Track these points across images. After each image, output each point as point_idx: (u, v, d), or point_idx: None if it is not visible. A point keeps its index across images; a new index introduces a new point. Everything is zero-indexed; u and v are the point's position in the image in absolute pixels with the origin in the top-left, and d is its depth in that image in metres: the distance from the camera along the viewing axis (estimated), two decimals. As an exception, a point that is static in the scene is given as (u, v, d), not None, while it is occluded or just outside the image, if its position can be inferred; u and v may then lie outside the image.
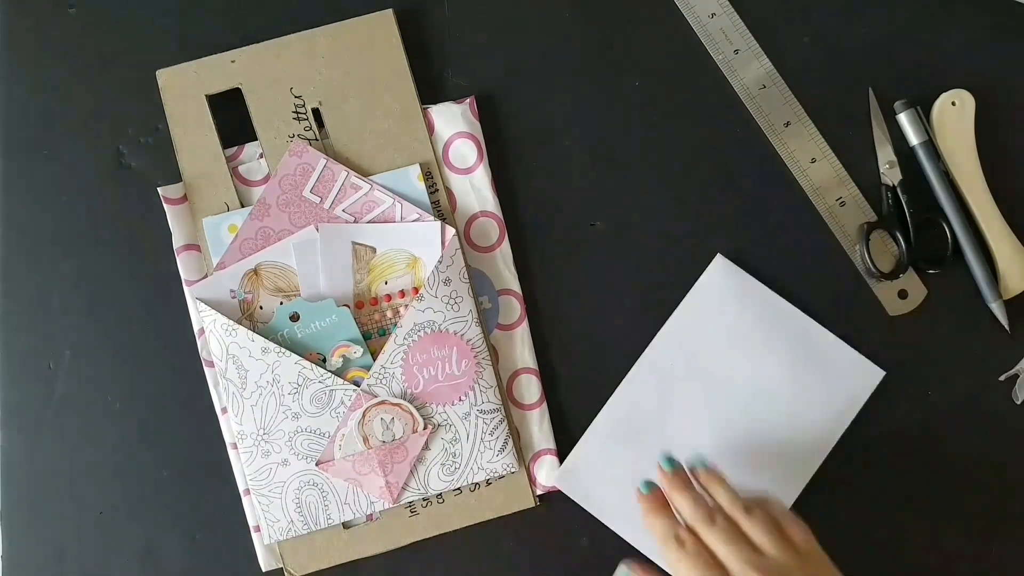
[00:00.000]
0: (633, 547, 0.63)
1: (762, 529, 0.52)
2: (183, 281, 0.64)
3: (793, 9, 0.67)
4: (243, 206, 0.64)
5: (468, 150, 0.65)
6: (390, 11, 0.65)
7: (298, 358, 0.62)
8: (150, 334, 0.65)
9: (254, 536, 0.63)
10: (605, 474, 0.64)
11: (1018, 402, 0.65)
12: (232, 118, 0.65)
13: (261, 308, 0.63)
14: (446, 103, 0.65)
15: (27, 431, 0.65)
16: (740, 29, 0.67)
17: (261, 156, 0.65)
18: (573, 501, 0.64)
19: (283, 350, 0.62)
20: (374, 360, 0.62)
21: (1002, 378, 0.65)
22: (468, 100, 0.65)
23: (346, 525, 0.64)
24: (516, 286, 0.65)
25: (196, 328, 0.64)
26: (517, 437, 0.64)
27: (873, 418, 0.64)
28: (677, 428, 0.64)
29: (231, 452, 0.64)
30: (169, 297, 0.65)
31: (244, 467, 0.63)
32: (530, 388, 0.64)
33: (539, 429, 0.64)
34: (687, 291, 0.65)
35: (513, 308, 0.65)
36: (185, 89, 0.65)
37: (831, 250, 0.66)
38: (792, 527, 0.53)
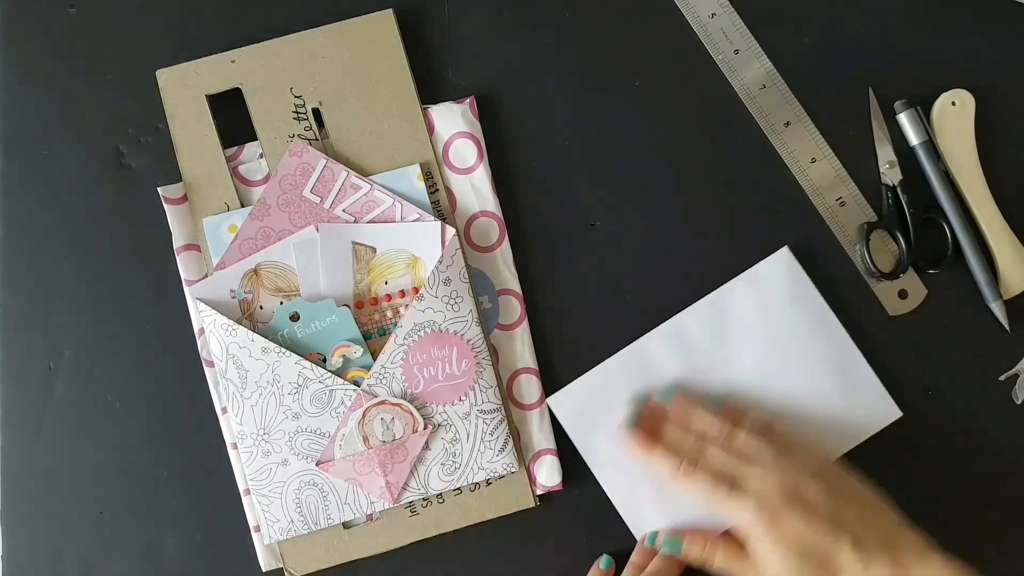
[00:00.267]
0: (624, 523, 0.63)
1: (747, 440, 0.60)
2: (183, 281, 0.64)
3: (793, 9, 0.67)
4: (243, 206, 0.64)
5: (468, 150, 0.65)
6: (390, 11, 0.65)
7: (298, 358, 0.62)
8: (150, 334, 0.65)
9: (254, 536, 0.63)
10: (599, 413, 0.64)
11: (1018, 402, 0.65)
12: (232, 118, 0.65)
13: (261, 308, 0.63)
14: (446, 103, 0.65)
15: (27, 431, 0.65)
16: (740, 29, 0.67)
17: (261, 156, 0.65)
18: (573, 501, 0.64)
19: (283, 350, 0.62)
20: (374, 360, 0.62)
21: (1002, 378, 0.65)
22: (468, 100, 0.65)
23: (346, 525, 0.64)
24: (516, 286, 0.65)
25: (196, 328, 0.64)
26: (517, 437, 0.64)
27: (873, 418, 0.64)
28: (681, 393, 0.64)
29: (231, 452, 0.64)
30: (169, 297, 0.65)
31: (244, 467, 0.63)
32: (530, 388, 0.64)
33: (539, 429, 0.64)
34: (687, 291, 0.65)
35: (513, 308, 0.65)
36: (185, 89, 0.65)
37: (831, 250, 0.66)
38: (773, 428, 0.61)
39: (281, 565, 0.63)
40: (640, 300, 0.65)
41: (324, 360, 0.63)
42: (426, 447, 0.63)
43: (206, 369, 0.64)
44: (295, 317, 0.63)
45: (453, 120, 0.65)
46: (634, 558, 0.62)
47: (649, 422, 0.62)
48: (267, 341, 0.62)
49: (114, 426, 0.65)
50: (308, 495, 0.62)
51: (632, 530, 0.63)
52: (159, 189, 0.65)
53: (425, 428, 0.62)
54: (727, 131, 0.67)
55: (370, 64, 0.65)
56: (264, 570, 0.64)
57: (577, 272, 0.66)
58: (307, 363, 0.62)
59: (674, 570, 0.61)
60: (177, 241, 0.64)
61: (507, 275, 0.65)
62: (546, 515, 0.65)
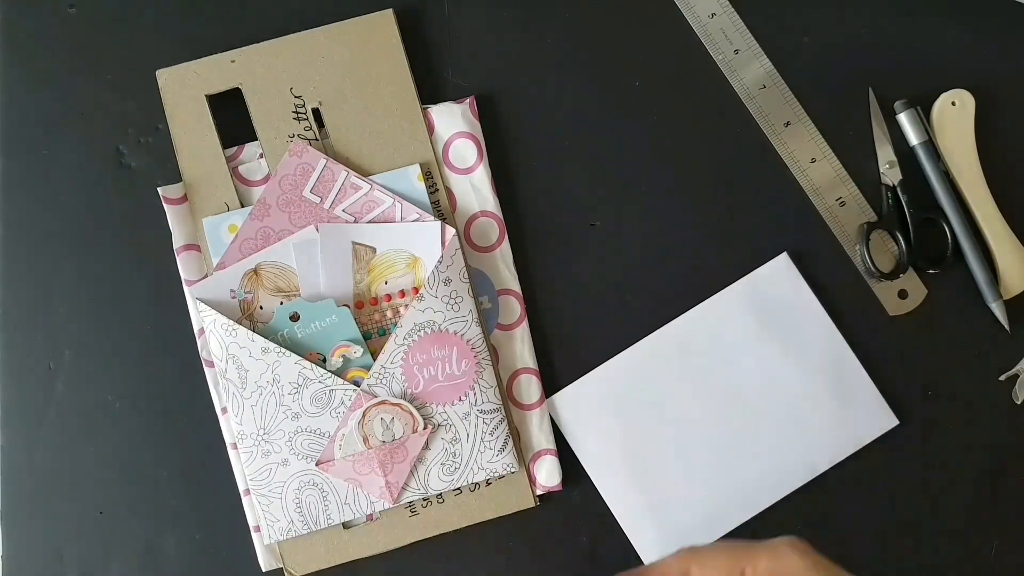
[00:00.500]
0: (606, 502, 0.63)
1: None
2: (183, 281, 0.64)
3: (793, 9, 0.67)
4: (243, 206, 0.64)
5: (468, 150, 0.65)
6: (390, 11, 0.65)
7: (298, 358, 0.62)
8: (150, 334, 0.65)
9: (254, 536, 0.63)
10: (595, 417, 0.64)
11: (1018, 402, 0.65)
12: (232, 118, 0.65)
13: (261, 308, 0.63)
14: (446, 103, 0.65)
15: (27, 431, 0.65)
16: (740, 29, 0.67)
17: (261, 156, 0.65)
18: (573, 501, 0.64)
19: (283, 350, 0.62)
20: (374, 360, 0.62)
21: (1002, 378, 0.65)
22: (468, 100, 0.65)
23: (346, 525, 0.64)
24: (516, 286, 0.65)
25: (196, 328, 0.64)
26: (517, 437, 0.64)
27: (873, 418, 0.64)
28: (678, 398, 0.64)
29: (231, 452, 0.64)
30: (169, 297, 0.65)
31: (244, 467, 0.63)
32: (530, 388, 0.64)
33: (539, 429, 0.64)
34: (687, 290, 0.65)
35: (513, 308, 0.65)
36: (185, 89, 0.65)
37: (831, 250, 0.66)
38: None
39: (281, 565, 0.63)
40: (640, 299, 0.65)
41: (324, 360, 0.63)
42: (426, 447, 0.63)
43: (206, 369, 0.64)
44: (295, 317, 0.63)
45: (453, 120, 0.65)
46: None
47: None
48: (267, 341, 0.62)
49: (114, 426, 0.65)
50: (308, 495, 0.62)
51: (628, 535, 0.63)
52: (159, 189, 0.65)
53: (425, 428, 0.62)
54: (727, 131, 0.67)
55: (370, 64, 0.65)
56: (264, 570, 0.64)
57: (577, 272, 0.66)
58: (307, 363, 0.62)
59: None
60: (177, 241, 0.64)
61: (507, 275, 0.65)
62: (546, 515, 0.65)
